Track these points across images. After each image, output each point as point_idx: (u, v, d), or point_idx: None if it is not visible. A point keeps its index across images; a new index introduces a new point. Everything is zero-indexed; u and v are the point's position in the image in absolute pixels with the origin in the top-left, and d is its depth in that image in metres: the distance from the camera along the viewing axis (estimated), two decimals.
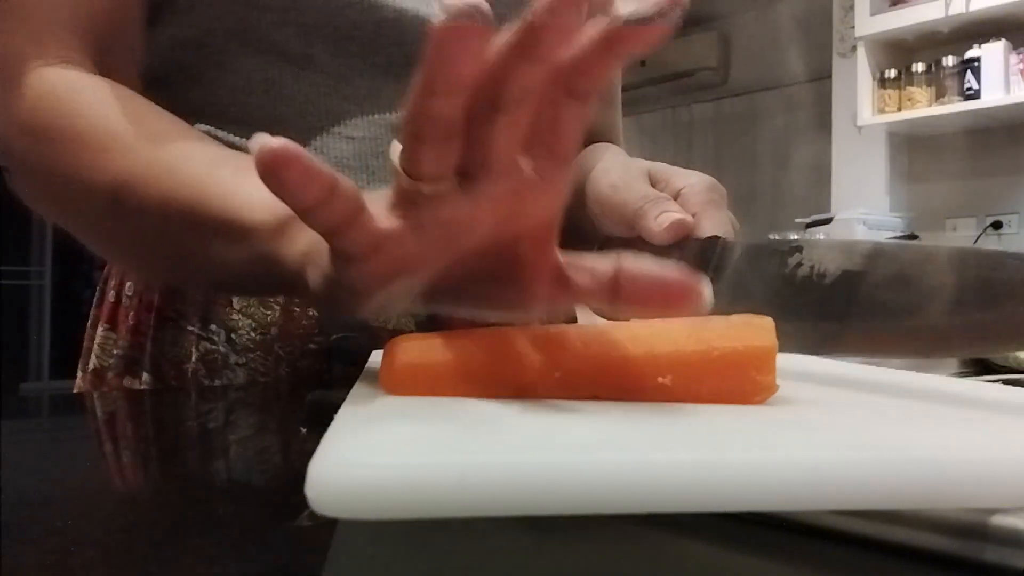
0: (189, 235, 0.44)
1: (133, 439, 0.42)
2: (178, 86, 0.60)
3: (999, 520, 0.19)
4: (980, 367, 0.63)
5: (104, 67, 0.54)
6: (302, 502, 0.19)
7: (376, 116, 0.61)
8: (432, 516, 0.19)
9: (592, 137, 0.75)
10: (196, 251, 0.46)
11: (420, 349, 0.31)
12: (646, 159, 0.56)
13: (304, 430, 0.38)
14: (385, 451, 0.21)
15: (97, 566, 0.21)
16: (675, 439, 0.23)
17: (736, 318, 0.30)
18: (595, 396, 0.29)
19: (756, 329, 0.29)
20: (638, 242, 0.48)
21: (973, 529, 0.19)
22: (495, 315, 0.32)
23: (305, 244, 0.36)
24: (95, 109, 0.49)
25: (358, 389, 0.32)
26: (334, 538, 0.21)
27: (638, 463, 0.19)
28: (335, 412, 0.26)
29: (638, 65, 4.80)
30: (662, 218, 0.47)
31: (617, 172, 0.54)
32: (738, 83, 4.70)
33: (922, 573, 0.20)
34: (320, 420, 0.25)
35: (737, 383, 0.28)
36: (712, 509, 0.19)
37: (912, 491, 0.19)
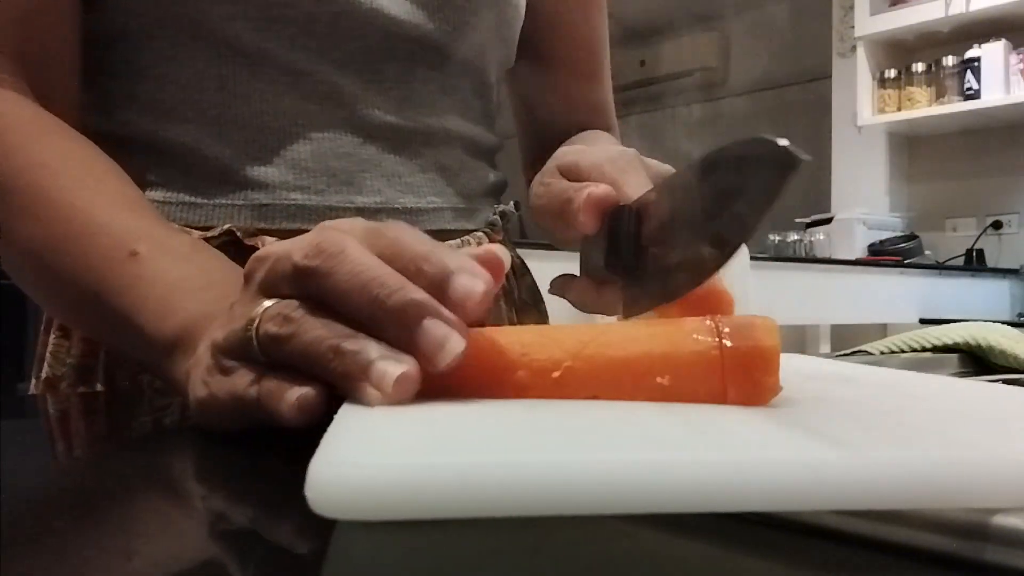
0: (94, 316, 0.45)
1: (129, 440, 0.42)
2: (125, 80, 0.57)
3: (1000, 520, 0.19)
4: (980, 367, 0.63)
5: (39, 84, 0.52)
6: (302, 502, 0.19)
7: (336, 115, 0.58)
8: (432, 516, 0.19)
9: (582, 116, 0.74)
10: (104, 331, 0.47)
11: None
12: (646, 159, 0.54)
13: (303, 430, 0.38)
14: (385, 451, 0.21)
15: (97, 566, 0.21)
16: (675, 440, 0.23)
17: (739, 318, 0.30)
18: (595, 396, 0.29)
19: (759, 330, 0.29)
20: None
21: (974, 529, 0.19)
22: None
23: (187, 368, 0.37)
24: (18, 156, 0.48)
25: None
26: (334, 538, 0.21)
27: (638, 463, 0.19)
28: (335, 412, 0.26)
29: (638, 65, 4.80)
30: (577, 202, 0.44)
31: (537, 183, 0.52)
32: (738, 83, 4.70)
33: (922, 573, 0.20)
34: (320, 420, 0.25)
35: (740, 384, 0.28)
36: (712, 509, 0.19)
37: (912, 491, 0.19)
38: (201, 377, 0.35)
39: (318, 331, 0.30)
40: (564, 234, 0.48)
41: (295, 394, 0.31)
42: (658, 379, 0.29)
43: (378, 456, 0.20)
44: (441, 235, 0.62)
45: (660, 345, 0.29)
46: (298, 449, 0.23)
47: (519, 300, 0.72)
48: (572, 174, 0.49)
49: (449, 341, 0.28)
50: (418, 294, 0.29)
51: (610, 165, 0.46)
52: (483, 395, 0.29)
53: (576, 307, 0.49)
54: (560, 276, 0.50)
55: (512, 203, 0.74)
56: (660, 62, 4.77)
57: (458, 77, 0.63)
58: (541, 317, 0.74)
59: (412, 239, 0.32)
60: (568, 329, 0.31)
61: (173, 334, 0.40)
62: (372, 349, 0.29)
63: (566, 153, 0.51)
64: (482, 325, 0.32)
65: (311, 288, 0.31)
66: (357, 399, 0.28)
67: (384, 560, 0.20)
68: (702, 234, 0.34)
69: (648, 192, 0.42)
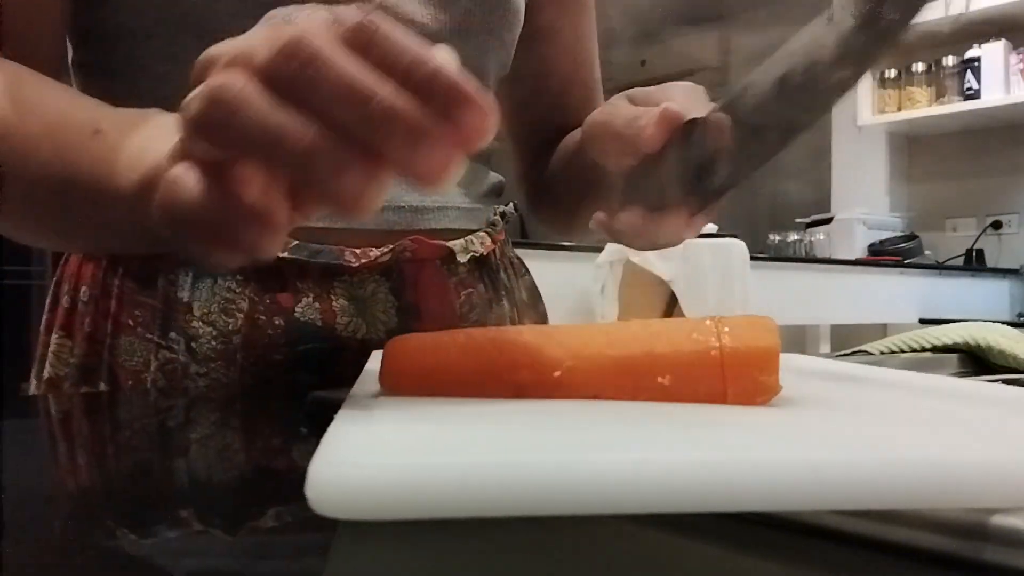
0: (72, 200, 0.46)
1: (132, 439, 0.42)
2: (125, 78, 0.57)
3: (999, 520, 0.19)
4: (980, 367, 0.63)
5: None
6: (302, 502, 0.19)
7: None
8: (432, 516, 0.19)
9: (575, 121, 0.74)
10: (80, 217, 0.48)
11: (420, 349, 0.31)
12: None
13: (304, 430, 0.38)
14: (385, 451, 0.21)
15: (97, 566, 0.21)
16: (675, 439, 0.23)
17: (739, 318, 0.30)
18: (595, 396, 0.29)
19: (759, 330, 0.29)
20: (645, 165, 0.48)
21: (973, 529, 0.19)
22: None
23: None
24: None
25: (358, 389, 0.32)
26: (334, 538, 0.21)
27: (638, 463, 0.19)
28: (335, 412, 0.26)
29: (638, 65, 4.80)
30: (647, 119, 0.45)
31: (599, 111, 0.53)
32: (738, 83, 4.70)
33: (922, 573, 0.20)
34: (320, 420, 0.25)
35: (740, 384, 0.28)
36: (712, 509, 0.19)
37: (912, 491, 0.19)
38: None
39: (269, 116, 0.27)
40: (618, 155, 0.49)
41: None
42: (658, 379, 0.29)
43: (378, 456, 0.20)
44: (445, 234, 0.62)
45: (660, 345, 0.29)
46: (298, 449, 0.23)
47: (520, 300, 0.72)
48: (641, 101, 0.50)
49: (450, 167, 0.26)
50: (415, 111, 0.26)
51: (678, 90, 0.48)
52: (483, 395, 0.29)
53: (628, 241, 0.50)
54: (602, 214, 0.51)
55: (511, 204, 0.74)
56: (660, 62, 4.77)
57: None
58: (540, 317, 0.74)
59: (394, 33, 0.28)
60: (569, 329, 0.31)
61: (143, 178, 0.40)
62: (345, 151, 0.26)
63: (636, 89, 0.52)
64: (483, 326, 0.31)
65: (276, 86, 0.27)
66: (322, 195, 0.26)
67: (384, 560, 0.20)
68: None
69: (716, 112, 0.43)
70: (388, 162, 0.27)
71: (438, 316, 0.61)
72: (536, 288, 0.75)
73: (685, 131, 0.44)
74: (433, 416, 0.26)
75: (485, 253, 0.65)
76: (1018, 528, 0.19)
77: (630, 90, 0.52)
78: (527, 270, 0.75)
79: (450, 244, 0.61)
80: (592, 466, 0.19)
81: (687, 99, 0.47)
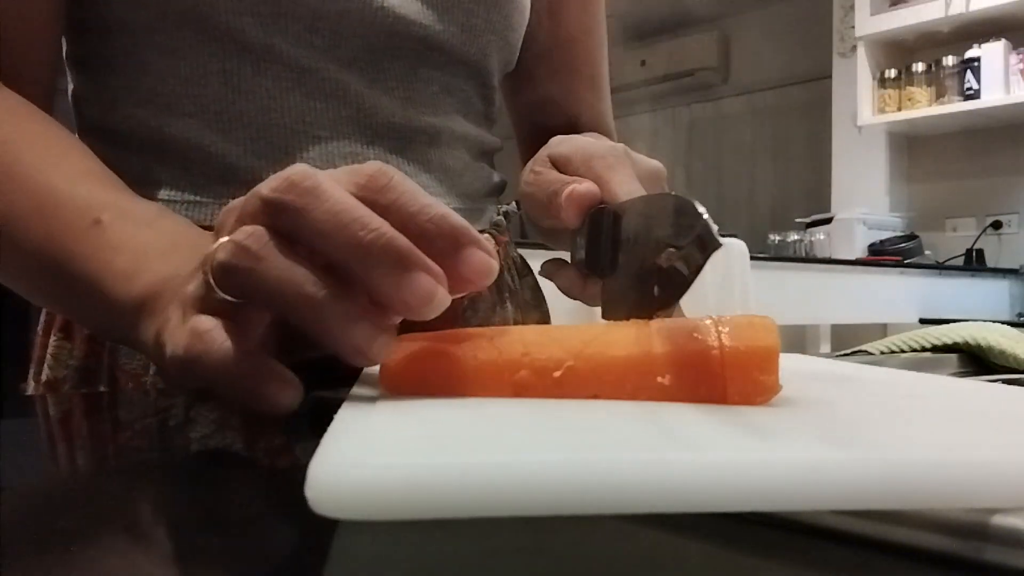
0: (59, 286, 0.44)
1: (132, 439, 0.42)
2: (126, 74, 0.57)
3: (1000, 520, 0.19)
4: (980, 367, 0.63)
5: (7, 71, 0.51)
6: (302, 502, 0.19)
7: (341, 113, 0.57)
8: (432, 516, 0.19)
9: (581, 121, 0.74)
10: (71, 303, 0.46)
11: (419, 349, 0.31)
12: (636, 155, 0.54)
13: (304, 430, 0.38)
14: (385, 451, 0.21)
15: (97, 566, 0.21)
16: (675, 439, 0.23)
17: (739, 318, 0.30)
18: (595, 396, 0.29)
19: (758, 329, 0.29)
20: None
21: (974, 529, 0.19)
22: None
23: (156, 328, 0.36)
24: None
25: (358, 389, 0.32)
26: (334, 538, 0.21)
27: (638, 463, 0.19)
28: (335, 412, 0.26)
29: (638, 65, 4.80)
30: (561, 197, 0.44)
31: (526, 176, 0.52)
32: (738, 83, 4.70)
33: (922, 573, 0.20)
34: (320, 420, 0.25)
35: (740, 383, 0.28)
36: (712, 509, 0.19)
37: (912, 491, 0.19)
38: (170, 334, 0.34)
39: (287, 271, 0.29)
40: (549, 224, 0.48)
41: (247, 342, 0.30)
42: (658, 378, 0.29)
43: (378, 456, 0.20)
44: None
45: (660, 344, 0.29)
46: (298, 449, 0.23)
47: (522, 300, 0.72)
48: (562, 166, 0.49)
49: (437, 295, 0.28)
50: (403, 241, 0.28)
51: (599, 160, 0.47)
52: (484, 395, 0.29)
53: (563, 293, 0.50)
54: (551, 260, 0.50)
55: (514, 203, 0.74)
56: (660, 62, 4.77)
57: (462, 78, 0.63)
58: (543, 317, 0.74)
59: (405, 183, 0.30)
60: (569, 329, 0.31)
61: (140, 296, 0.39)
62: (354, 306, 0.28)
63: (559, 143, 0.52)
64: (486, 324, 0.32)
65: (281, 224, 0.29)
66: (331, 346, 0.28)
67: (384, 560, 0.20)
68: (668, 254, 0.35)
69: (632, 198, 0.43)
70: (378, 296, 0.28)
71: (440, 317, 0.61)
72: (539, 288, 0.75)
73: (599, 213, 0.43)
74: (433, 416, 0.26)
75: None
76: (1019, 528, 0.19)
77: (557, 147, 0.50)
78: (530, 270, 0.75)
79: None
80: (592, 466, 0.19)
81: (605, 171, 0.46)
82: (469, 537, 0.21)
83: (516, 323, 0.69)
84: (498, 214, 0.70)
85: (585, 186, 0.44)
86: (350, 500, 0.19)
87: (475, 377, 0.29)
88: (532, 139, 0.77)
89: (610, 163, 0.46)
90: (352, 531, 0.21)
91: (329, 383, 0.41)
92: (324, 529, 0.21)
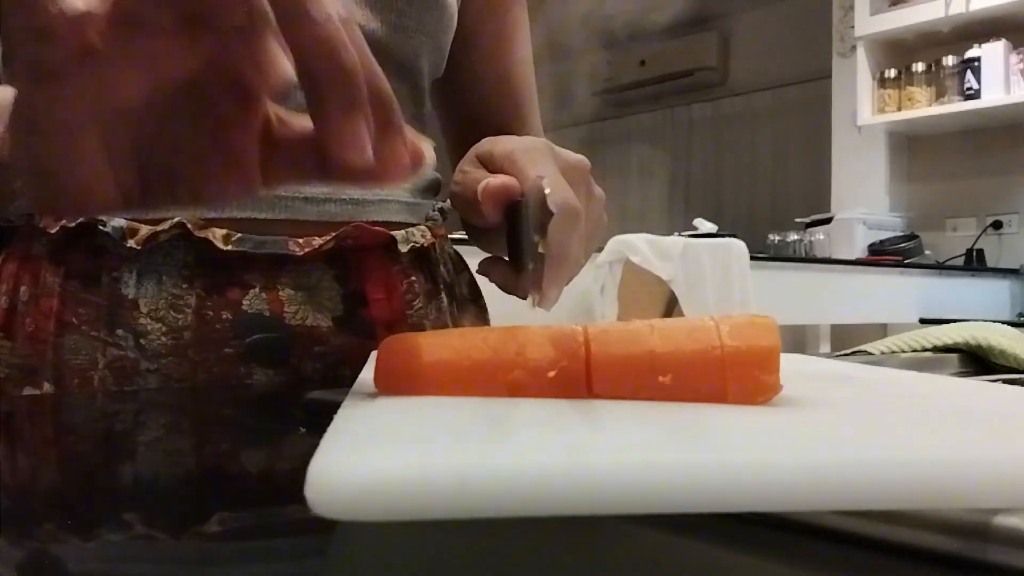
0: None
1: (132, 439, 0.42)
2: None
3: (1000, 520, 0.19)
4: (980, 367, 0.63)
5: None
6: (301, 502, 0.19)
7: None
8: (432, 516, 0.19)
9: (509, 129, 0.74)
10: None
11: (418, 349, 0.31)
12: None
13: (304, 430, 0.38)
14: (385, 451, 0.21)
15: (97, 565, 0.21)
16: (675, 439, 0.23)
17: (739, 317, 0.30)
18: (595, 396, 0.29)
19: (759, 328, 0.29)
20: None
21: (974, 529, 0.19)
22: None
23: None
24: None
25: (357, 389, 0.32)
26: (334, 538, 0.21)
27: (638, 463, 0.19)
28: (335, 412, 0.26)
29: (638, 65, 4.80)
30: (479, 192, 0.44)
31: (456, 176, 0.52)
32: (738, 83, 4.70)
33: (922, 573, 0.20)
34: (320, 420, 0.25)
35: (740, 383, 0.28)
36: (712, 509, 0.19)
37: (913, 491, 0.19)
38: None
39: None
40: (477, 222, 0.48)
41: None
42: (659, 378, 0.29)
43: (378, 456, 0.20)
44: (386, 227, 0.63)
45: (661, 344, 0.29)
46: (298, 449, 0.23)
47: (459, 295, 0.72)
48: (487, 163, 0.50)
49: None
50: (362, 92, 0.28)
51: (521, 155, 0.47)
52: (484, 395, 0.29)
53: (500, 288, 0.50)
54: (487, 257, 0.51)
55: (449, 200, 0.75)
56: (660, 62, 4.77)
57: (394, 79, 0.63)
58: (481, 312, 0.75)
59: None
60: (569, 328, 0.31)
61: None
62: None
63: (484, 143, 0.52)
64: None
65: None
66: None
67: (384, 560, 0.20)
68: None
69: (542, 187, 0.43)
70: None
71: (383, 303, 0.62)
72: (476, 283, 0.75)
73: (516, 205, 0.44)
74: (432, 417, 0.26)
75: (426, 245, 0.66)
76: (1019, 528, 0.19)
77: (485, 148, 0.51)
78: (466, 266, 0.76)
79: (392, 233, 0.63)
80: (592, 466, 0.19)
81: (527, 165, 0.46)
82: (469, 537, 0.21)
83: (452, 316, 0.69)
84: (434, 210, 0.71)
85: (500, 180, 0.45)
86: (350, 500, 0.19)
87: (474, 377, 0.29)
88: (462, 145, 0.78)
89: (532, 157, 0.47)
90: (352, 531, 0.21)
91: (329, 383, 0.41)
92: (323, 530, 0.21)
